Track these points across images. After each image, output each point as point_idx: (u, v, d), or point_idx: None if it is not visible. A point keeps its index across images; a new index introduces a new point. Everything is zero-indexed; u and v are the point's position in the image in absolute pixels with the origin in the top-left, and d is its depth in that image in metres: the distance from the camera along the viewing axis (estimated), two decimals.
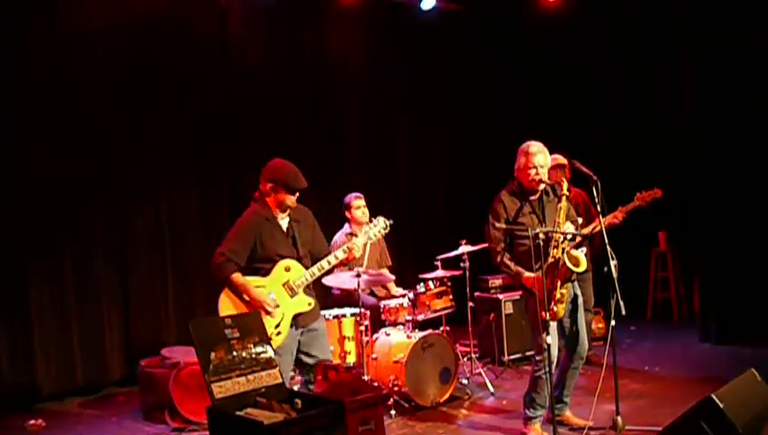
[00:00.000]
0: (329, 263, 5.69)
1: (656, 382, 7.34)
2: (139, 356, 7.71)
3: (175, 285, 8.78)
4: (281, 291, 5.53)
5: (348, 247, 5.74)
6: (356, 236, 7.61)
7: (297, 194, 5.62)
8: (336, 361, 6.68)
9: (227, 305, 5.43)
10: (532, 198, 5.84)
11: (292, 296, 5.55)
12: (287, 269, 5.58)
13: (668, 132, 9.91)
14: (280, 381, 4.62)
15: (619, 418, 5.68)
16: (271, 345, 4.74)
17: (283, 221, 5.66)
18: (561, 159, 7.37)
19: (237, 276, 5.45)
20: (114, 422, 7.23)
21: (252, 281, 5.49)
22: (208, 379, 4.30)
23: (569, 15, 10.43)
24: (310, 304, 5.64)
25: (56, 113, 8.03)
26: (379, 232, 5.99)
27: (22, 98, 7.84)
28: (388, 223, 5.99)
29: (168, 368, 6.94)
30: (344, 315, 6.99)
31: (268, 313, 5.41)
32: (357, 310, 6.78)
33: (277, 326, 5.44)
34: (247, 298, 5.44)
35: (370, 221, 6.87)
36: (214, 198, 9.10)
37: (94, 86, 8.26)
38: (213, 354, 4.38)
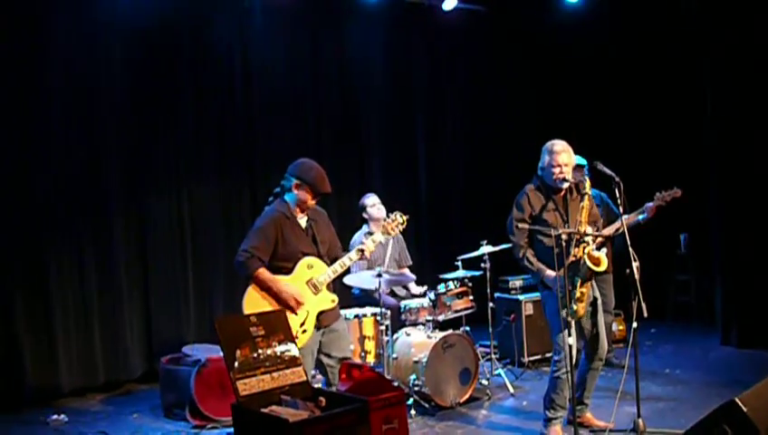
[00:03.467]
0: (350, 259, 5.71)
1: (677, 385, 7.31)
2: (159, 353, 7.76)
3: (196, 283, 8.83)
4: (305, 289, 5.55)
5: (360, 249, 5.77)
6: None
7: (319, 198, 5.65)
8: (356, 360, 6.71)
9: (253, 302, 5.43)
10: (556, 196, 5.85)
11: (315, 293, 5.57)
12: (310, 267, 5.60)
13: (690, 133, 9.87)
14: (304, 379, 4.65)
15: (640, 420, 5.68)
16: (295, 344, 4.76)
17: (302, 220, 5.68)
18: (580, 161, 7.36)
19: (263, 271, 5.46)
20: (135, 419, 7.26)
21: (277, 279, 5.52)
22: (233, 376, 4.33)
23: (590, 15, 10.41)
24: (333, 301, 5.67)
25: (78, 111, 8.11)
26: (397, 227, 5.99)
27: (45, 96, 7.91)
28: (404, 217, 5.98)
29: (190, 365, 6.97)
30: (365, 315, 7.02)
31: (296, 307, 5.43)
32: (377, 310, 6.80)
33: (302, 324, 5.46)
34: (276, 291, 5.44)
35: (388, 217, 6.92)
36: (234, 197, 9.15)
37: (116, 84, 8.33)
38: (238, 352, 4.41)
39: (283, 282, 5.48)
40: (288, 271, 5.56)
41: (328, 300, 5.64)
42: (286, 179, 5.66)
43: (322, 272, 5.62)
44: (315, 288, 5.57)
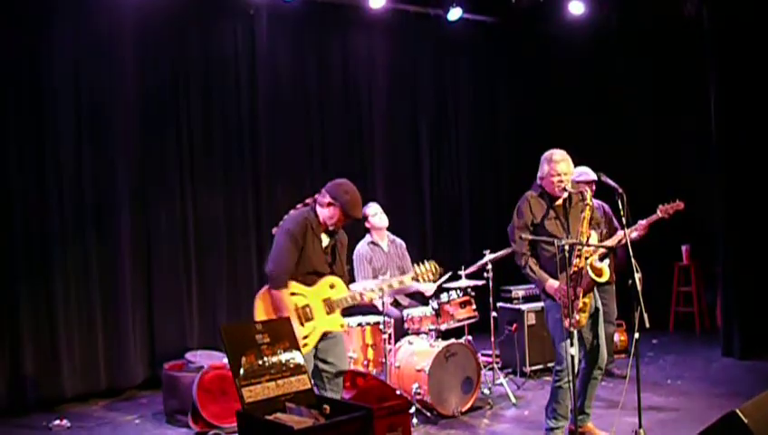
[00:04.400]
0: (381, 288, 5.90)
1: (678, 396, 7.33)
2: (162, 360, 7.78)
3: (199, 290, 8.86)
4: (319, 306, 5.59)
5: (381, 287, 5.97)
6: (377, 245, 7.71)
7: (349, 220, 5.70)
8: (359, 368, 6.74)
9: (266, 306, 5.53)
10: (556, 204, 5.88)
11: (328, 313, 5.61)
12: (332, 286, 5.66)
13: (694, 144, 9.90)
14: (309, 386, 4.67)
15: (641, 431, 5.67)
16: (300, 351, 4.78)
17: (325, 238, 5.71)
18: (592, 174, 7.36)
19: (285, 294, 5.50)
20: (137, 425, 7.29)
21: (295, 287, 5.56)
22: (239, 383, 4.35)
23: (595, 26, 10.44)
24: (342, 326, 5.73)
25: (86, 117, 8.17)
26: (430, 276, 6.05)
27: (54, 102, 7.97)
28: (440, 269, 6.09)
29: (193, 372, 7.00)
30: (368, 323, 7.04)
31: (307, 319, 5.51)
32: (380, 318, 6.83)
33: (305, 338, 5.48)
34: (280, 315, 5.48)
35: (389, 227, 7.01)
36: (239, 204, 9.18)
37: (121, 90, 8.38)
38: (243, 359, 4.43)
39: (291, 308, 5.50)
40: (310, 283, 5.62)
41: (337, 323, 5.69)
42: (321, 194, 5.69)
43: (342, 295, 5.67)
44: (330, 308, 5.61)
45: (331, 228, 5.71)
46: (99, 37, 8.23)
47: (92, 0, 8.15)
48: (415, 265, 6.10)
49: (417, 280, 6.10)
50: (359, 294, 5.75)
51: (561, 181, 5.76)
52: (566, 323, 5.51)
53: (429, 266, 6.03)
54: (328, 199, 5.62)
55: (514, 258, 5.97)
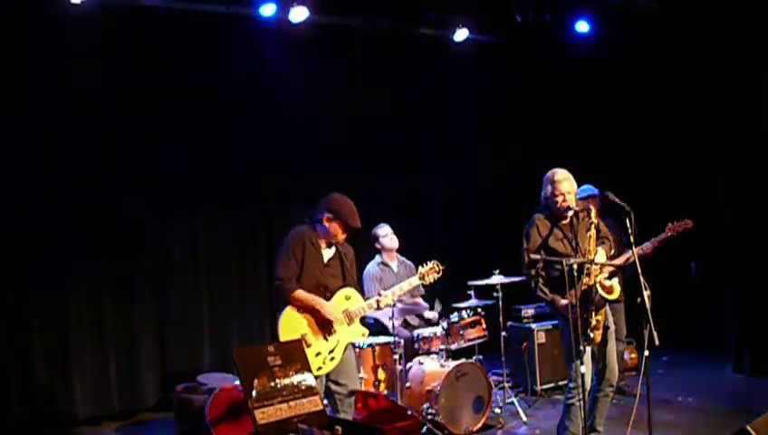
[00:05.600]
0: (396, 292, 6.01)
1: (689, 413, 7.34)
2: (174, 382, 7.77)
3: (210, 313, 8.90)
4: (340, 318, 5.66)
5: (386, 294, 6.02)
6: (387, 265, 7.75)
7: (349, 232, 5.74)
8: (370, 389, 6.76)
9: (291, 322, 5.58)
10: (563, 223, 5.91)
11: (349, 324, 5.67)
12: (347, 298, 5.75)
13: (701, 162, 9.93)
14: (321, 407, 4.71)
15: None
16: (311, 373, 4.82)
17: (327, 252, 5.77)
18: (593, 190, 7.42)
19: (300, 292, 5.59)
20: None
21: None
22: (251, 405, 4.39)
23: (601, 45, 10.47)
24: (364, 335, 5.82)
25: (97, 142, 8.24)
26: (433, 274, 6.20)
27: (67, 127, 8.09)
28: (441, 267, 6.24)
29: (205, 394, 7.01)
30: (378, 344, 7.06)
31: (330, 333, 5.55)
32: (391, 338, 6.85)
33: (331, 352, 5.56)
34: (317, 307, 5.58)
35: (399, 250, 7.07)
36: (248, 227, 9.24)
37: (136, 112, 8.43)
38: (256, 381, 4.48)
39: (324, 302, 5.62)
40: (326, 298, 5.70)
41: (359, 333, 5.78)
42: (318, 211, 5.76)
43: (359, 305, 5.77)
44: (350, 319, 5.69)
45: (333, 243, 5.78)
46: (106, 61, 8.30)
47: (104, 20, 8.18)
48: (419, 265, 6.23)
49: (423, 278, 6.19)
50: (375, 301, 5.85)
51: (565, 200, 5.82)
52: (579, 341, 5.53)
53: (432, 265, 6.23)
54: (326, 215, 5.71)
55: (526, 280, 6.00)
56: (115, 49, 8.33)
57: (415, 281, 6.23)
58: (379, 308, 5.96)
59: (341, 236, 5.75)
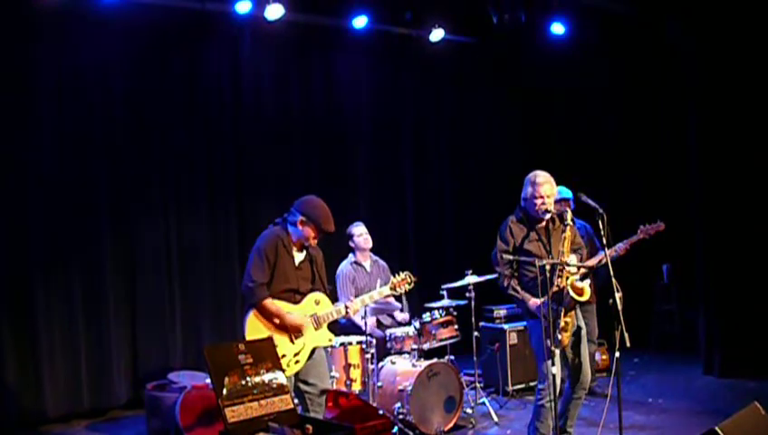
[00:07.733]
0: (366, 300, 6.05)
1: (659, 414, 7.37)
2: (145, 380, 7.77)
3: (182, 310, 8.85)
4: (307, 322, 5.66)
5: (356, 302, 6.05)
6: (361, 265, 7.75)
7: (322, 236, 5.73)
8: (342, 388, 6.75)
9: (255, 327, 5.54)
10: (539, 226, 5.93)
11: (316, 329, 5.67)
12: (317, 302, 5.74)
13: (674, 164, 10.00)
14: (291, 406, 4.69)
15: None
16: (283, 372, 4.81)
17: (298, 255, 5.76)
18: (566, 193, 7.46)
19: (270, 303, 5.56)
20: None
21: (281, 305, 5.61)
22: (222, 403, 4.37)
23: (576, 47, 10.52)
24: (330, 340, 5.80)
25: (68, 140, 8.18)
26: (405, 286, 6.24)
27: (36, 123, 7.98)
28: (413, 279, 6.26)
29: (175, 392, 6.99)
30: (350, 343, 7.05)
31: (297, 336, 5.54)
32: (363, 338, 6.85)
33: (296, 355, 5.54)
34: (281, 320, 5.56)
35: (373, 249, 7.07)
36: (222, 225, 9.19)
37: (107, 109, 8.41)
38: (227, 379, 4.46)
39: (289, 314, 5.59)
40: (295, 301, 5.69)
41: (326, 338, 5.77)
42: (291, 214, 5.74)
43: (328, 310, 5.76)
44: (317, 323, 5.68)
45: (305, 246, 5.77)
46: (82, 60, 8.24)
47: (78, 18, 8.13)
48: (392, 267, 6.22)
49: (395, 289, 6.21)
50: (344, 307, 5.83)
51: (544, 203, 5.83)
52: (548, 342, 5.55)
53: (404, 276, 6.23)
54: (300, 218, 5.67)
55: (498, 281, 6.01)
56: (83, 44, 8.25)
57: (385, 291, 6.23)
58: (347, 314, 5.95)
59: (313, 240, 5.73)
